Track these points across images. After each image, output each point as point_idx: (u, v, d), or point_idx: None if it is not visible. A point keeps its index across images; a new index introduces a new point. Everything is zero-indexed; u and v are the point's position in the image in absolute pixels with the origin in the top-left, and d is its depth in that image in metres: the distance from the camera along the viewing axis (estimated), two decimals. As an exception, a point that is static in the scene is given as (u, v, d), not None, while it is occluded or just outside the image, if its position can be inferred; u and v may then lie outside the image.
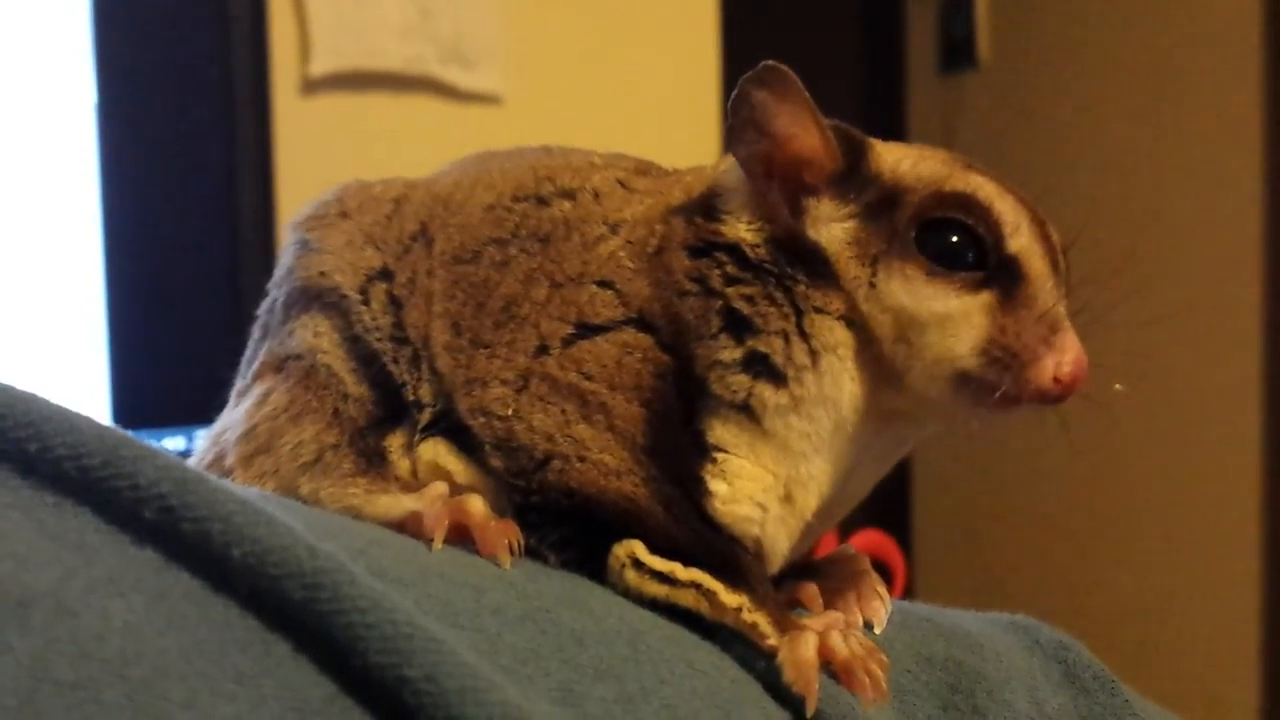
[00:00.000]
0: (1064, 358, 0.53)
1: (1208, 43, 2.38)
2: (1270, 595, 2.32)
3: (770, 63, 0.54)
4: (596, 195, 0.60)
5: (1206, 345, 2.36)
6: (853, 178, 0.56)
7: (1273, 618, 2.32)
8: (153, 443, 0.43)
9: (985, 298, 0.54)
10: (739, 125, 0.55)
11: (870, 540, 1.98)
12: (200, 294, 1.91)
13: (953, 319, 0.54)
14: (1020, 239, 0.55)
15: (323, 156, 1.96)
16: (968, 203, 0.55)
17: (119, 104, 1.87)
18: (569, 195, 0.60)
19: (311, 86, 1.99)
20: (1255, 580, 2.33)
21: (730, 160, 0.57)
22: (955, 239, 0.54)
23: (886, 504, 2.73)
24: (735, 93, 0.55)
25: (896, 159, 0.56)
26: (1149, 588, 2.48)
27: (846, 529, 1.75)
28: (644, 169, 0.62)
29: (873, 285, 0.55)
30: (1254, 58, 2.31)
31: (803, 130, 0.55)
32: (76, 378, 1.88)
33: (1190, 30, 2.41)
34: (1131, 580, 2.51)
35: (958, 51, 2.81)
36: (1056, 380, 0.53)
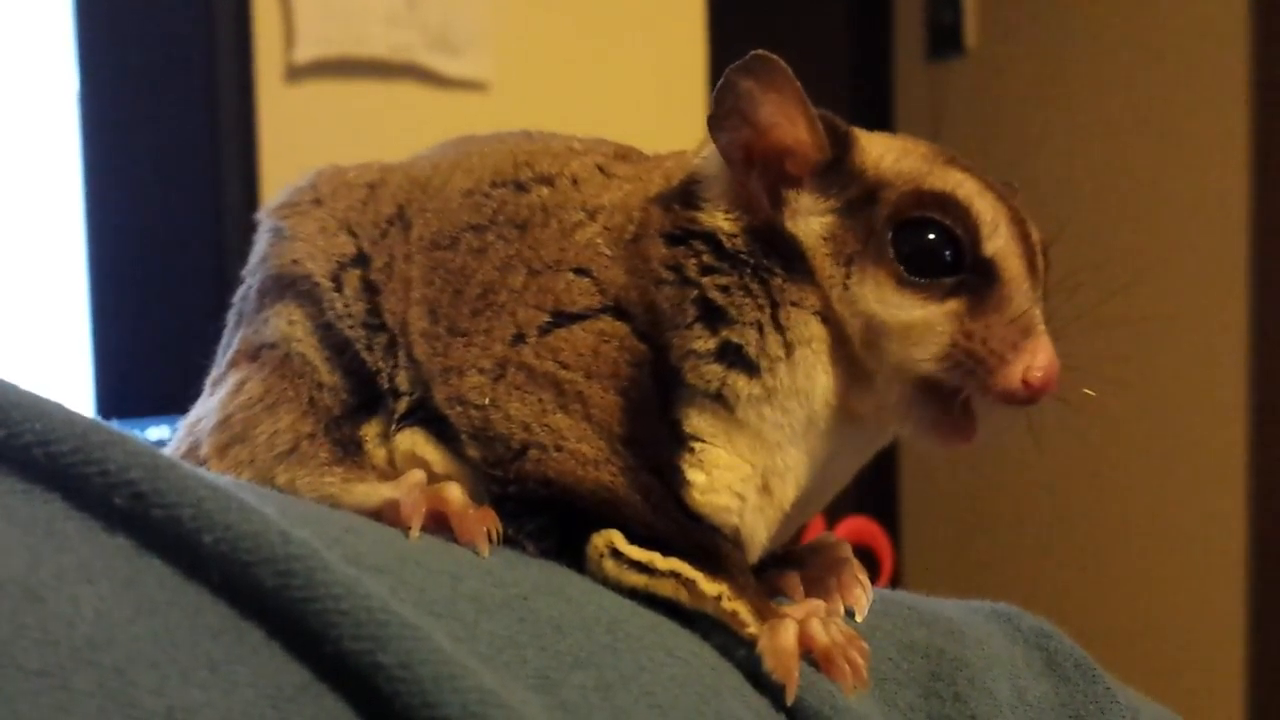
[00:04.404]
0: (1034, 361, 0.52)
1: (1195, 30, 2.38)
2: (1255, 581, 2.33)
3: (759, 52, 0.54)
4: (575, 181, 0.59)
5: (1194, 332, 2.37)
6: (836, 171, 0.55)
7: (1257, 604, 2.33)
8: (133, 431, 0.43)
9: (952, 306, 0.53)
10: (722, 114, 0.55)
11: (858, 527, 1.98)
12: (184, 282, 1.91)
13: (916, 328, 0.53)
14: (998, 240, 0.54)
15: (307, 144, 1.95)
16: (946, 202, 0.54)
17: (101, 91, 1.86)
18: (547, 181, 0.59)
19: (296, 73, 1.98)
20: (1240, 566, 2.34)
21: (711, 147, 0.56)
22: (932, 239, 0.54)
23: (874, 491, 2.73)
24: (721, 81, 0.54)
25: (880, 153, 0.56)
26: (1135, 576, 2.49)
27: (834, 515, 1.75)
28: (624, 154, 0.62)
29: (846, 287, 0.54)
30: (1241, 46, 2.31)
31: (787, 120, 0.54)
32: (60, 366, 1.88)
33: (1178, 17, 2.41)
34: (1117, 568, 2.52)
35: (945, 38, 2.81)
36: (1026, 384, 0.52)
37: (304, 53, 1.97)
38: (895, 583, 2.33)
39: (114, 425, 0.42)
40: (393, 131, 2.00)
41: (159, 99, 1.92)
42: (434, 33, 2.08)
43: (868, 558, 1.99)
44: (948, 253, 0.54)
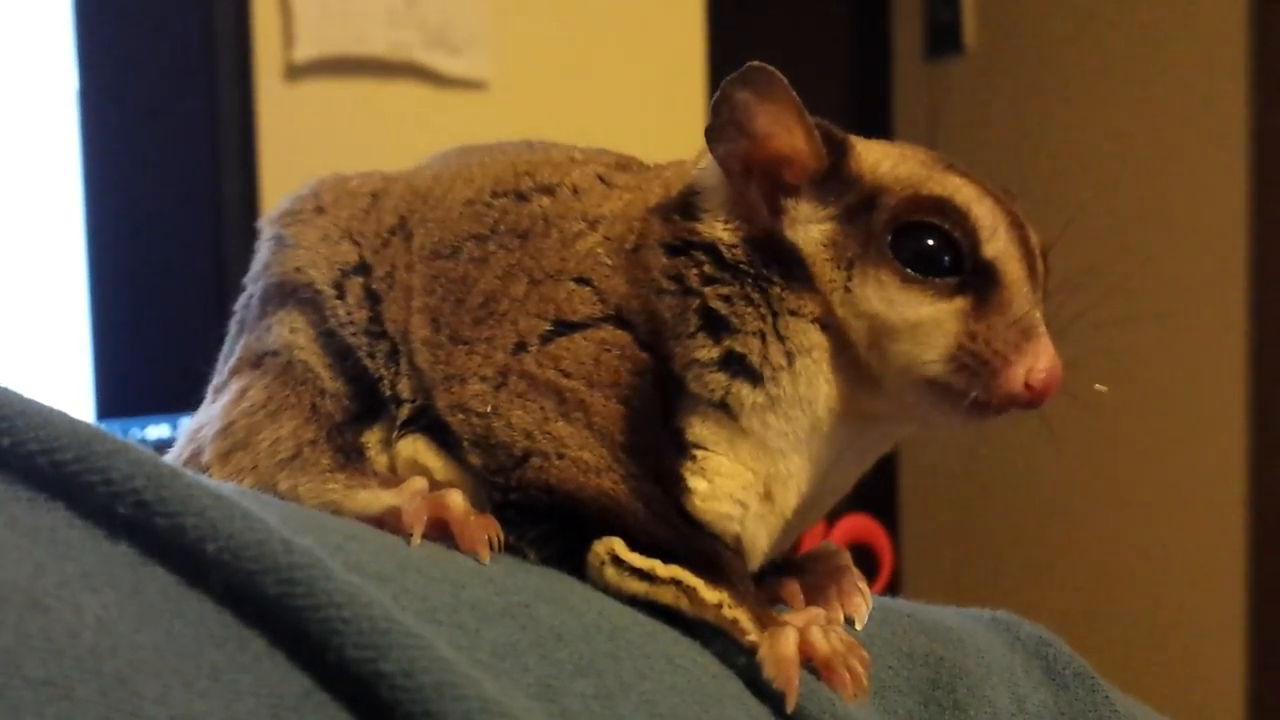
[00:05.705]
0: (1036, 364, 0.53)
1: (1194, 30, 2.38)
2: (1255, 581, 2.33)
3: (755, 63, 0.54)
4: (576, 191, 0.59)
5: (1194, 332, 2.37)
6: (834, 178, 0.55)
7: (1258, 608, 2.33)
8: (133, 434, 0.43)
9: (958, 304, 0.54)
10: (719, 125, 0.55)
11: (857, 525, 1.98)
12: (183, 281, 1.91)
13: (924, 326, 0.53)
14: (997, 243, 0.54)
15: (307, 143, 1.95)
16: (945, 206, 0.54)
17: (101, 90, 1.86)
18: (548, 190, 0.60)
19: (295, 72, 1.98)
20: (1240, 566, 2.34)
21: (709, 158, 0.56)
22: (931, 243, 0.54)
23: (874, 489, 2.72)
24: (717, 94, 0.54)
25: (877, 159, 0.56)
26: (1135, 576, 2.49)
27: (833, 514, 1.75)
28: (624, 164, 0.62)
29: (848, 290, 0.54)
30: (1240, 46, 2.31)
31: (785, 130, 0.55)
32: (60, 366, 1.88)
33: (1177, 16, 2.41)
34: (1117, 568, 2.52)
35: (944, 37, 2.81)
36: (1028, 387, 0.53)
37: (303, 51, 1.97)
38: (894, 581, 2.33)
39: (117, 433, 0.42)
40: (392, 130, 2.00)
41: (159, 98, 1.92)
42: (433, 32, 2.08)
43: (867, 556, 1.99)
44: (947, 257, 0.54)
